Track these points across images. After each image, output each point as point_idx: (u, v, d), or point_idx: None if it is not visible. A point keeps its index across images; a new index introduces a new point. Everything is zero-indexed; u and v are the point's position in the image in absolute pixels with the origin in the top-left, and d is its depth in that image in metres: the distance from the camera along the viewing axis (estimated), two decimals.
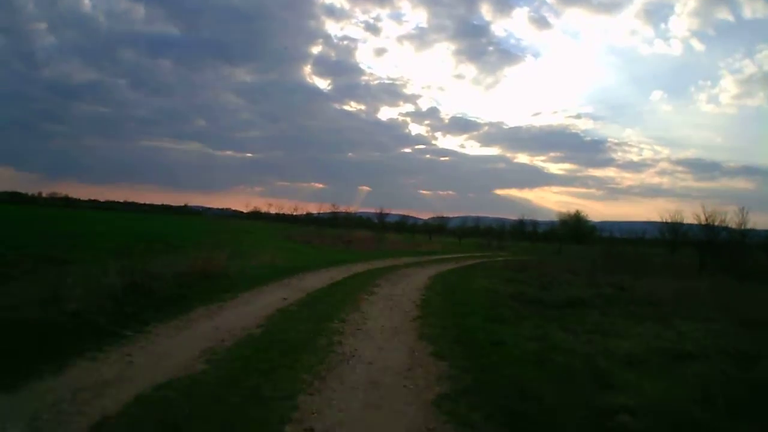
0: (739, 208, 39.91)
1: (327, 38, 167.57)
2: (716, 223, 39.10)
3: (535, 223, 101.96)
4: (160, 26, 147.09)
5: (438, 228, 68.54)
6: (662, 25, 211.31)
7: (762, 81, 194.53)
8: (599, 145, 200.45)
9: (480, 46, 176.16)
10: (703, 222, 39.01)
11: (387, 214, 62.66)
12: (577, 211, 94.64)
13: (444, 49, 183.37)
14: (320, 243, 33.01)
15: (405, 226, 70.07)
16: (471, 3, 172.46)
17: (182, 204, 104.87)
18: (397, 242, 41.96)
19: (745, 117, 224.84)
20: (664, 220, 40.35)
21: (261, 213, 71.97)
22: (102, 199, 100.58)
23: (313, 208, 64.64)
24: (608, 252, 29.05)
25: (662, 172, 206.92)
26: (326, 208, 61.87)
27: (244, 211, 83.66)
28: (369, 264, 19.05)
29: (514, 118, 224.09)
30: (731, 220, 39.78)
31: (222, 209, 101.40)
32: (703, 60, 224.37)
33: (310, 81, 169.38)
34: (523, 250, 47.87)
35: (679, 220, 40.37)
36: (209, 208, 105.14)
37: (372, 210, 64.30)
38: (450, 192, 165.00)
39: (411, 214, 73.48)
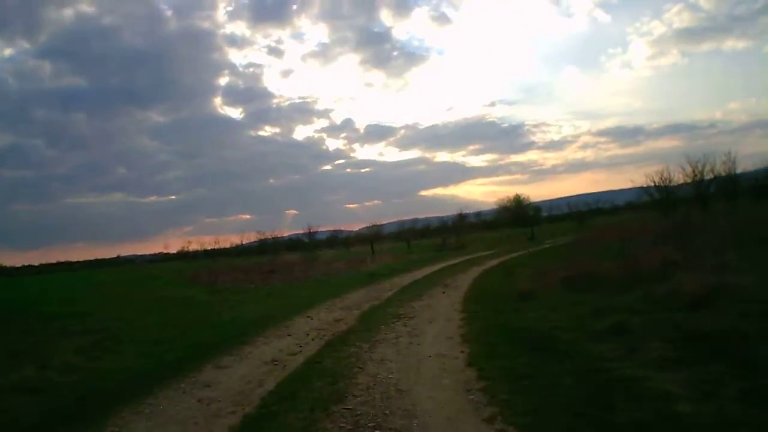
0: (726, 154, 34.98)
1: (232, 68, 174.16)
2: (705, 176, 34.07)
3: (478, 214, 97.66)
4: (68, 80, 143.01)
5: (375, 236, 60.42)
6: (564, 2, 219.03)
7: (674, 38, 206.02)
8: (517, 129, 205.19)
9: (385, 52, 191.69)
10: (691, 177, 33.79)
11: (316, 231, 58.96)
12: (517, 195, 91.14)
13: (349, 61, 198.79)
14: (229, 281, 22.83)
15: (337, 240, 66.46)
16: (370, 11, 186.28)
17: (115, 255, 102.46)
18: (332, 261, 32.26)
19: (661, 77, 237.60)
20: (651, 183, 34.56)
21: (189, 252, 65.48)
22: (36, 263, 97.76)
23: (239, 239, 57.49)
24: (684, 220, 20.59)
25: (585, 146, 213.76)
26: (252, 237, 57.81)
27: (173, 252, 77.90)
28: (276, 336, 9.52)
29: (429, 117, 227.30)
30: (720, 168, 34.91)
31: (154, 254, 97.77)
32: (611, 29, 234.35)
33: (222, 112, 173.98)
34: (492, 244, 40.08)
35: (666, 181, 34.67)
36: (141, 255, 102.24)
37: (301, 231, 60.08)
38: (376, 201, 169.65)
39: (344, 228, 70.43)
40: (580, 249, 19.86)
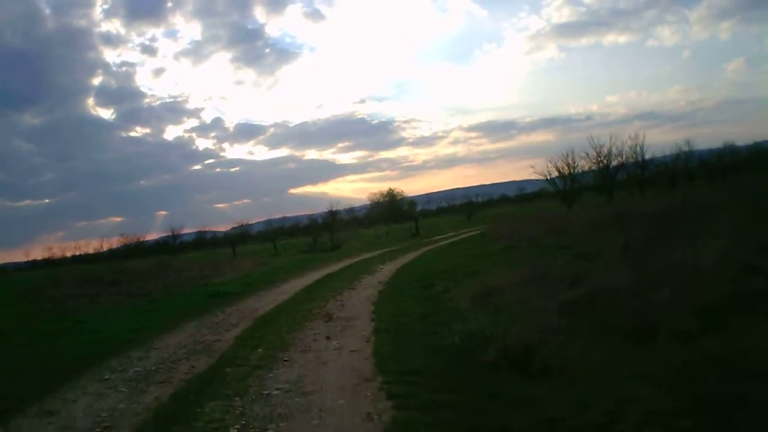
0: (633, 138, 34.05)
1: (106, 67, 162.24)
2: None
3: (350, 210, 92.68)
4: None
5: (240, 237, 52.76)
6: None
7: (552, 33, 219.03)
8: (387, 125, 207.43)
9: (256, 50, 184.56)
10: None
11: (179, 234, 55.69)
12: (390, 189, 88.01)
13: (221, 59, 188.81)
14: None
15: (205, 241, 62.06)
16: (244, 8, 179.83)
17: None
18: (188, 267, 25.13)
19: (537, 71, 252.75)
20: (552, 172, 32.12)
21: (55, 259, 57.65)
22: None
23: (114, 243, 52.64)
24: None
25: (456, 141, 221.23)
26: (118, 242, 52.27)
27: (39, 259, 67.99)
28: None
29: (299, 115, 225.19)
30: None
31: (26, 262, 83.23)
32: (487, 24, 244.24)
33: (95, 113, 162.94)
34: (372, 243, 34.36)
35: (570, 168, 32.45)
36: (15, 263, 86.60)
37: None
38: (245, 200, 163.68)
39: (211, 229, 64.27)
40: (520, 245, 14.82)
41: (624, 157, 34.61)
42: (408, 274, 13.66)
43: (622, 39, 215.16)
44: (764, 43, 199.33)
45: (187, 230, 58.83)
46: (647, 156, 35.13)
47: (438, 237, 30.47)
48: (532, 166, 33.97)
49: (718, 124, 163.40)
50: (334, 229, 40.43)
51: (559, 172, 31.66)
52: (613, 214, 14.37)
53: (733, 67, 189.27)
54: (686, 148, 39.40)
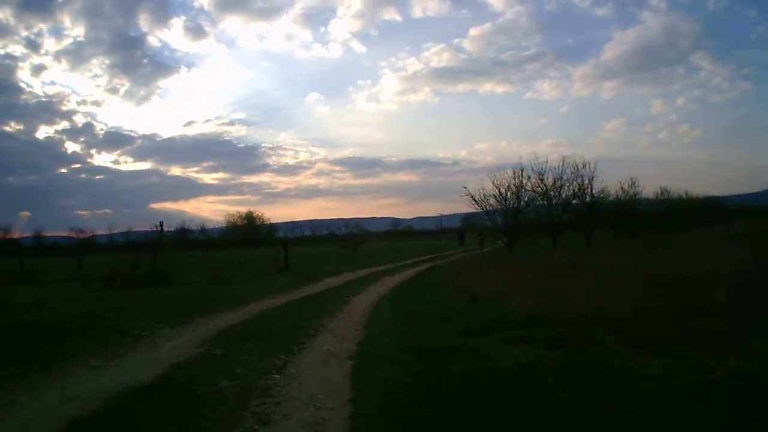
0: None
1: None
2: None
3: (203, 231, 79.32)
4: None
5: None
6: (322, 29, 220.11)
7: (429, 76, 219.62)
8: (253, 150, 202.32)
9: (135, 59, 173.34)
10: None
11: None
12: (250, 211, 78.14)
13: (100, 63, 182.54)
14: None
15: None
16: (130, 13, 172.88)
17: None
18: None
19: (408, 112, 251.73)
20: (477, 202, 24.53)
21: None
22: None
23: None
24: None
25: (320, 173, 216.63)
26: None
27: None
28: None
29: (168, 130, 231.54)
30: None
31: None
32: (364, 61, 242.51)
33: None
34: (217, 272, 22.62)
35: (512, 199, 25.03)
36: None
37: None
38: (107, 210, 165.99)
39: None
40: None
41: (573, 190, 28.83)
42: None
43: (500, 89, 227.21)
44: (646, 104, 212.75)
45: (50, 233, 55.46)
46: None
47: (328, 279, 20.41)
48: (464, 187, 25.86)
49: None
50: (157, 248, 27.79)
51: (504, 198, 24.35)
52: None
53: (612, 126, 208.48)
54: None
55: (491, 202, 24.90)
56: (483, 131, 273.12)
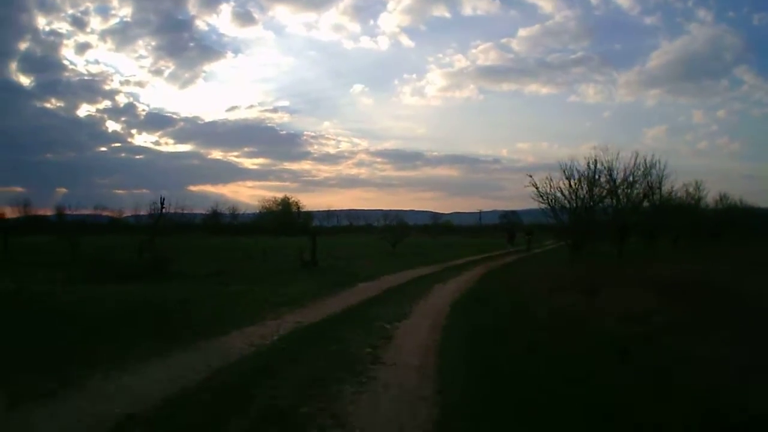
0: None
1: (35, 33, 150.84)
2: None
3: (234, 215, 76.80)
4: None
5: None
6: (371, 21, 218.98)
7: (473, 74, 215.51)
8: (295, 138, 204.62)
9: (181, 42, 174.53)
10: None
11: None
12: (286, 197, 74.56)
13: (146, 45, 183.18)
14: None
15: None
16: None
17: None
18: None
19: (451, 108, 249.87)
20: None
21: None
22: None
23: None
24: None
25: (360, 163, 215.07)
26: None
27: None
28: None
29: (211, 114, 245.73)
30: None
31: None
32: (411, 55, 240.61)
33: (15, 79, 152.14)
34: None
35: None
36: None
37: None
38: (145, 190, 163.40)
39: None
40: None
41: (644, 189, 23.01)
42: None
43: (545, 90, 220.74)
44: (688, 114, 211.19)
45: (83, 211, 47.97)
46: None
47: (362, 283, 14.80)
48: (530, 176, 20.55)
49: None
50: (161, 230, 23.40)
51: (575, 193, 18.92)
52: None
53: (653, 133, 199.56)
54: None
55: (558, 197, 19.36)
56: (525, 131, 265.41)
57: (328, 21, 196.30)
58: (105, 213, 59.36)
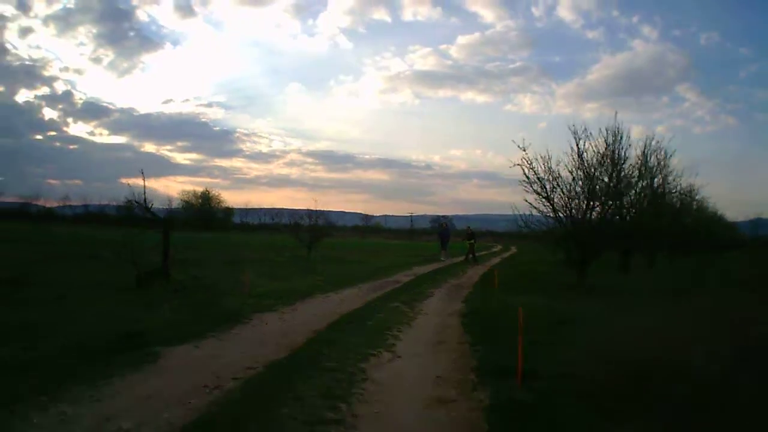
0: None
1: None
2: None
3: (149, 210, 67.54)
4: None
5: None
6: (310, 21, 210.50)
7: (410, 79, 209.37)
8: (228, 135, 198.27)
9: (122, 31, 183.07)
10: None
11: None
12: (206, 191, 67.77)
13: (87, 32, 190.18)
14: None
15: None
16: None
17: None
18: None
19: (386, 112, 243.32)
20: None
21: None
22: None
23: None
24: None
25: (292, 163, 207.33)
26: None
27: None
28: None
29: (146, 106, 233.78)
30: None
31: None
32: (349, 57, 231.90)
33: None
34: None
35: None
36: None
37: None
38: (77, 181, 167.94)
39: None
40: None
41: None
42: None
43: (481, 98, 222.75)
44: (624, 129, 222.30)
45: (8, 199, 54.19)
46: None
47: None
48: (523, 149, 12.76)
49: None
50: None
51: (589, 174, 12.28)
52: None
53: (587, 146, 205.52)
54: None
55: (564, 179, 12.74)
56: (459, 138, 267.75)
57: (269, 18, 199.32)
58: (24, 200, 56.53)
